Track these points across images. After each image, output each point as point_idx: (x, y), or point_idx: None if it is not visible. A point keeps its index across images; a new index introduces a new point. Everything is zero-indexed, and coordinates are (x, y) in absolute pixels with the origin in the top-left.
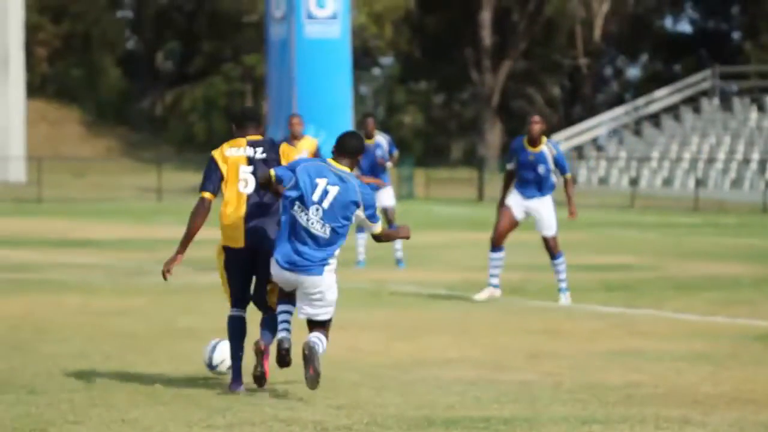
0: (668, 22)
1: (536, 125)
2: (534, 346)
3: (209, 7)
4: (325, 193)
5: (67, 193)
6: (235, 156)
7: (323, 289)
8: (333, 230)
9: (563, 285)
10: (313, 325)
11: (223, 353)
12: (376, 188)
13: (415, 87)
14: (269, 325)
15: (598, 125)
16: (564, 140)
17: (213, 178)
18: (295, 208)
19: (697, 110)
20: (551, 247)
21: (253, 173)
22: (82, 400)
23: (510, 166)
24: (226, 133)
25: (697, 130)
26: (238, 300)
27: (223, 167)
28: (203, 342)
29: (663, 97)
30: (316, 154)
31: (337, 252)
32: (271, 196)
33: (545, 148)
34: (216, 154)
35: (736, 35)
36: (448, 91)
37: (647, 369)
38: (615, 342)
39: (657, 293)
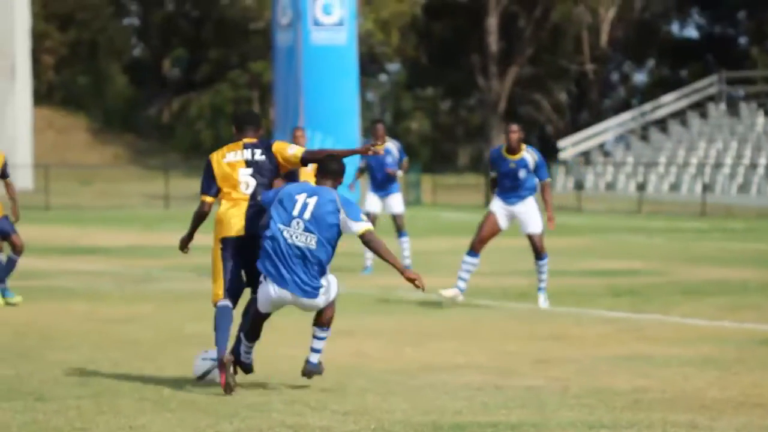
0: (675, 28)
1: (514, 134)
2: (541, 352)
3: (216, 14)
4: (305, 205)
5: (74, 201)
6: (234, 160)
7: (321, 304)
8: (319, 241)
9: (543, 285)
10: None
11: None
12: (387, 193)
13: (421, 93)
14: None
15: (605, 131)
16: (571, 146)
17: (211, 182)
18: (277, 229)
19: (704, 115)
20: (538, 247)
21: (253, 175)
22: (89, 407)
23: (494, 175)
24: (233, 140)
25: (704, 135)
26: (230, 290)
27: (219, 171)
28: (211, 348)
29: (670, 102)
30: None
31: (327, 268)
32: None
33: (526, 154)
34: (213, 157)
35: (742, 40)
36: (455, 97)
37: (654, 374)
38: (622, 347)
39: (664, 298)
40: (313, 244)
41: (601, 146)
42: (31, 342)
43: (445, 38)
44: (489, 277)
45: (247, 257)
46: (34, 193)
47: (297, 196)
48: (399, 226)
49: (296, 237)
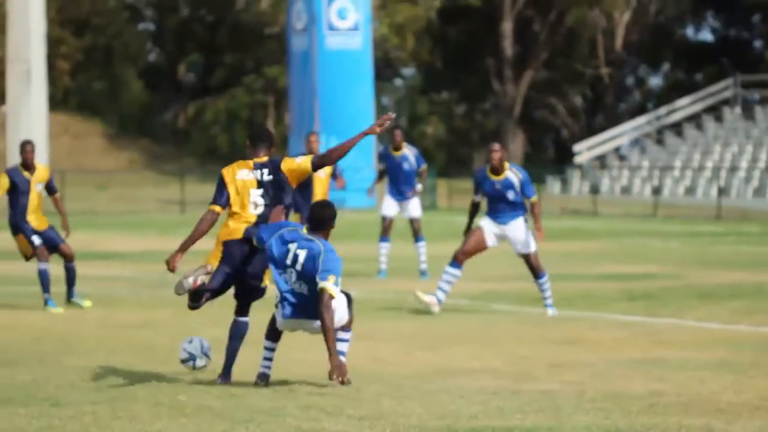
0: (690, 31)
1: (495, 153)
2: (556, 356)
3: (231, 19)
4: (296, 257)
5: (90, 206)
6: (245, 179)
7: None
8: (310, 290)
9: (548, 301)
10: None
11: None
12: (405, 198)
13: (437, 98)
14: (235, 335)
15: (621, 135)
16: (586, 150)
17: (223, 194)
18: (278, 269)
19: (719, 119)
20: (534, 266)
21: (263, 196)
22: (105, 413)
23: (477, 198)
24: (246, 153)
25: (719, 138)
26: (206, 292)
27: (231, 188)
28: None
29: (685, 106)
30: (333, 170)
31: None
32: None
33: (510, 173)
34: (226, 172)
35: (757, 44)
36: (470, 102)
37: (670, 378)
38: (637, 351)
39: (680, 302)
40: (306, 291)
41: (617, 150)
42: (48, 347)
43: (460, 42)
44: (503, 281)
45: (245, 261)
46: (50, 198)
47: (290, 245)
48: (416, 231)
49: (293, 282)
